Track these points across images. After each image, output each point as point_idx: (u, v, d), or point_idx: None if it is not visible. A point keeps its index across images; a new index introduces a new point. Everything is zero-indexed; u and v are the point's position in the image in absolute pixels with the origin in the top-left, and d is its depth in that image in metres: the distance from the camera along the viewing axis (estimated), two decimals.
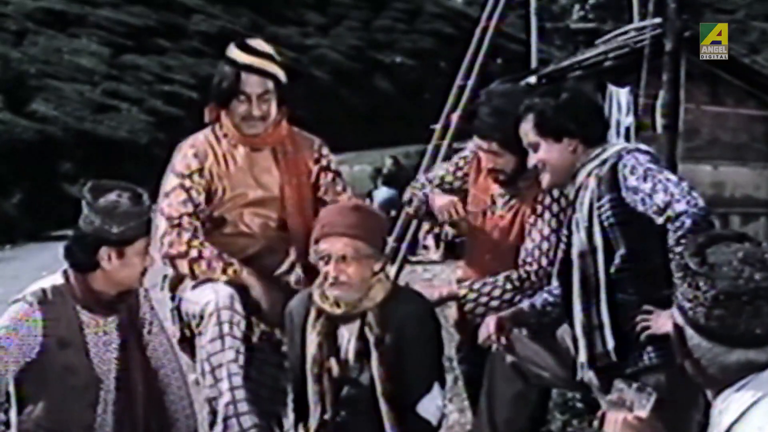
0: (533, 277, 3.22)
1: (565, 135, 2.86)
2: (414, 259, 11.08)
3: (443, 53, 30.15)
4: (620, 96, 8.35)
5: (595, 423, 2.13)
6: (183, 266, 3.19)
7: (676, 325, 1.71)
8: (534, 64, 11.13)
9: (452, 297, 3.35)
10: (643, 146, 2.93)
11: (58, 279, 2.88)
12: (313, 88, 28.31)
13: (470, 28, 9.57)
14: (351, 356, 2.92)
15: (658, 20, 7.30)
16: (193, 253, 3.18)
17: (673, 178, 2.68)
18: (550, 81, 8.63)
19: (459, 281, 3.46)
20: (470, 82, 8.67)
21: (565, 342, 2.99)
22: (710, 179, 9.71)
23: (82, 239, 2.83)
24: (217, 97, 3.31)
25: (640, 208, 2.68)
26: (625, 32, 9.53)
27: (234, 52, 3.27)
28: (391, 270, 7.72)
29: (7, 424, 2.88)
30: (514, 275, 3.24)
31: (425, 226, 9.72)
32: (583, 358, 2.85)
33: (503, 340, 3.02)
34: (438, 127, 8.96)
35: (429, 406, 2.89)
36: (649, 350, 2.75)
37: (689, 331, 1.68)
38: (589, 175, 2.83)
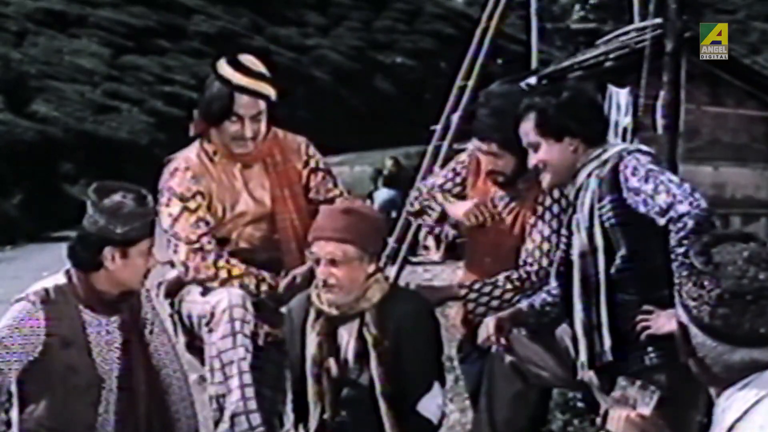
0: (534, 278, 3.21)
1: (566, 134, 2.85)
2: (414, 259, 11.10)
3: (444, 54, 30.14)
4: (620, 96, 8.35)
5: (598, 421, 2.14)
6: (215, 287, 3.19)
7: (680, 324, 1.72)
8: (534, 64, 11.12)
9: (452, 297, 3.36)
10: (644, 147, 2.93)
11: (60, 279, 2.89)
12: (313, 88, 28.35)
13: (471, 29, 9.58)
14: (350, 357, 2.92)
15: (658, 21, 7.29)
16: (223, 274, 3.17)
17: (675, 179, 2.69)
18: (550, 81, 8.63)
19: (460, 285, 3.44)
20: (470, 83, 8.68)
21: (564, 342, 2.99)
22: (711, 180, 9.71)
23: (86, 239, 2.83)
24: (208, 116, 3.25)
25: (642, 209, 2.68)
26: (626, 33, 9.54)
27: (227, 71, 3.20)
28: (392, 270, 7.73)
29: (8, 423, 2.89)
30: (515, 275, 3.24)
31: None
32: (583, 358, 2.85)
33: (502, 340, 3.02)
34: (438, 127, 8.97)
35: (429, 405, 2.90)
36: (650, 351, 2.75)
37: (693, 330, 1.69)
38: (589, 175, 2.83)
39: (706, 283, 1.66)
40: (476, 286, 3.27)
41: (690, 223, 2.56)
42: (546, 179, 2.92)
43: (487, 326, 3.02)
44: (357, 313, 2.90)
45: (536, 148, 2.90)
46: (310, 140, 3.50)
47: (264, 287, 3.20)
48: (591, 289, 2.81)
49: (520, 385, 3.09)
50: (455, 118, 8.64)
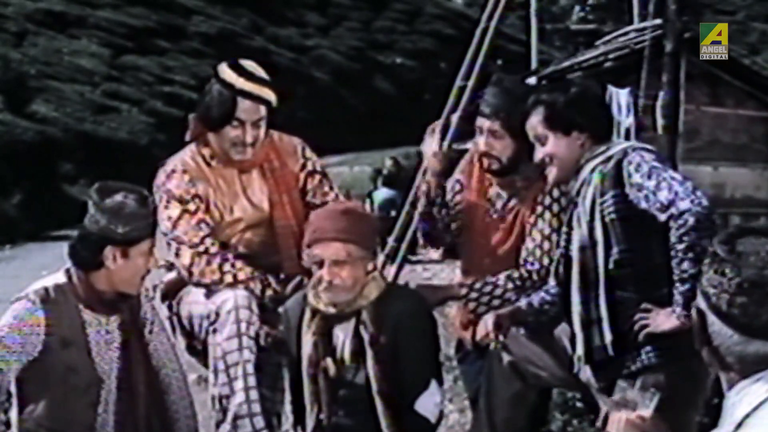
0: (535, 276, 3.21)
1: (574, 129, 2.86)
2: (414, 258, 11.09)
3: (443, 54, 30.14)
4: (620, 97, 8.35)
5: (598, 423, 2.14)
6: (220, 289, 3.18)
7: (698, 311, 1.72)
8: (534, 65, 11.12)
9: (453, 297, 3.36)
10: (648, 146, 2.94)
11: (60, 278, 2.89)
12: (313, 88, 28.37)
13: (470, 29, 9.56)
14: (347, 356, 2.91)
15: (658, 21, 7.30)
16: (228, 278, 3.16)
17: (678, 176, 2.70)
18: (549, 82, 8.63)
19: (460, 285, 3.44)
20: (470, 83, 8.67)
21: (563, 341, 2.99)
22: (710, 180, 9.71)
23: (87, 238, 2.83)
24: (208, 121, 3.22)
25: (644, 205, 2.68)
26: (625, 33, 9.54)
27: (230, 75, 3.18)
28: (391, 269, 7.72)
29: (8, 423, 2.89)
30: (516, 274, 3.23)
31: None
32: (580, 352, 2.85)
33: (501, 338, 3.02)
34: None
35: (427, 404, 2.89)
36: (648, 349, 2.74)
37: (711, 317, 1.70)
38: (593, 170, 2.83)
39: (727, 270, 1.67)
40: (477, 285, 3.27)
41: (691, 220, 2.56)
42: (552, 173, 2.93)
43: (486, 323, 3.02)
44: (353, 312, 2.90)
45: (543, 141, 2.91)
46: (310, 140, 3.49)
47: (269, 292, 3.18)
48: (590, 282, 2.81)
49: (519, 386, 3.09)
50: (455, 118, 8.64)
